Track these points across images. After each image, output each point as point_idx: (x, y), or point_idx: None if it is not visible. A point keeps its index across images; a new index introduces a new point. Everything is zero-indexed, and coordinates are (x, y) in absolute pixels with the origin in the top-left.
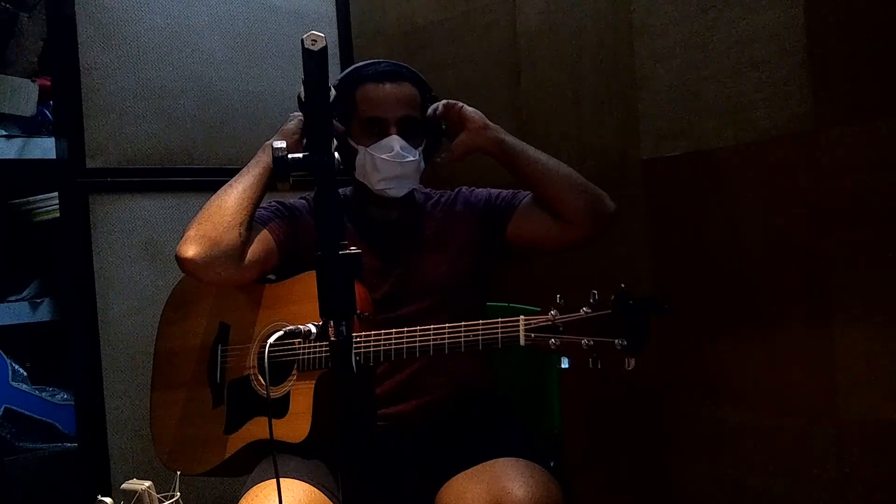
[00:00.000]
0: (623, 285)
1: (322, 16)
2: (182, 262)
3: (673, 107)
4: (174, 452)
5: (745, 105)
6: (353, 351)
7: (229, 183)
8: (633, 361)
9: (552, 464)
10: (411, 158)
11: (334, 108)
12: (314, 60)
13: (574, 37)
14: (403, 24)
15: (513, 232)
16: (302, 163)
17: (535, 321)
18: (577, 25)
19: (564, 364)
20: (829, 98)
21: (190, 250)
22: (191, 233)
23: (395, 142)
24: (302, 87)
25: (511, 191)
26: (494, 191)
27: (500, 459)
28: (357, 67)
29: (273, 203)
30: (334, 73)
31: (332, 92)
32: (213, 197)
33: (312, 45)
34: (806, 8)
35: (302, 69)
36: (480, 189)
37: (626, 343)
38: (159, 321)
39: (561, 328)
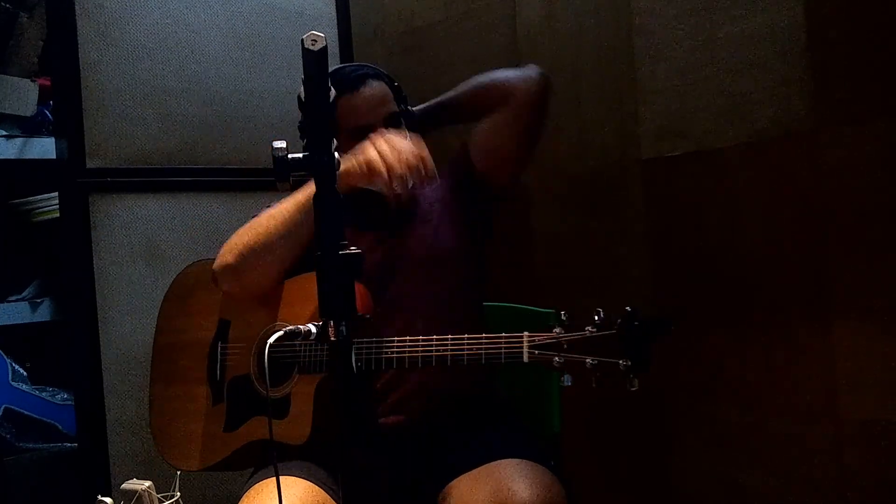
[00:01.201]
0: (629, 308)
1: (322, 16)
2: (217, 283)
3: (673, 107)
4: (174, 447)
5: (745, 105)
6: (356, 357)
7: (282, 221)
8: (636, 382)
9: (552, 463)
10: None
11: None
12: (314, 60)
13: (574, 37)
14: (403, 24)
15: (476, 157)
16: (302, 163)
17: (539, 338)
18: (577, 25)
19: (567, 382)
20: (829, 98)
21: (226, 284)
22: (232, 263)
23: None
24: (302, 87)
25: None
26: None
27: (504, 460)
28: None
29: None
30: None
31: (333, 92)
32: (262, 230)
33: (312, 45)
34: (806, 8)
35: (302, 69)
36: (453, 159)
37: (630, 364)
38: (158, 315)
39: (565, 346)
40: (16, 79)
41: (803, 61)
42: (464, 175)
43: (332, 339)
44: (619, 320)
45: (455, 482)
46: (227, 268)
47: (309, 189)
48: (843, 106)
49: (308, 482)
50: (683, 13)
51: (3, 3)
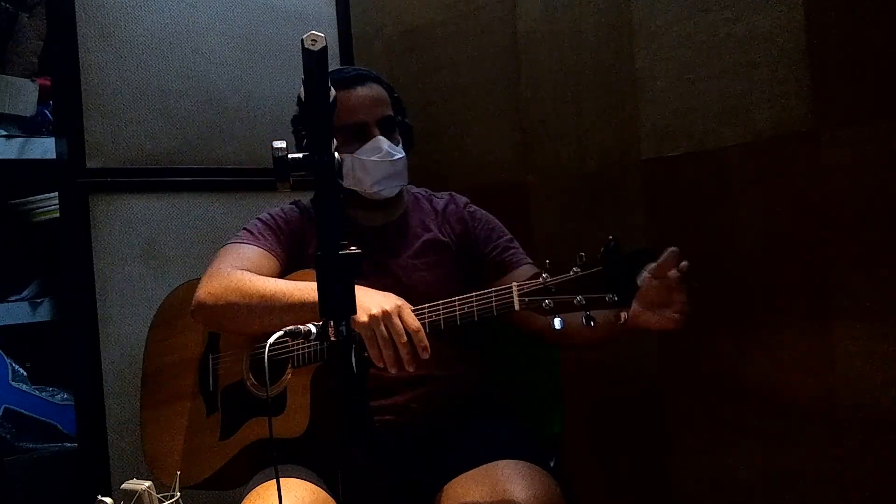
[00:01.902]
0: (611, 237)
1: (322, 16)
2: (192, 314)
3: (673, 107)
4: (171, 467)
5: (745, 105)
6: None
7: (273, 308)
8: (625, 314)
9: (552, 464)
10: (399, 156)
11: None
12: (314, 60)
13: (574, 37)
14: (403, 24)
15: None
16: (302, 163)
17: (527, 286)
18: (577, 25)
19: (557, 325)
20: (829, 98)
21: (198, 320)
22: (210, 307)
23: (382, 142)
24: (302, 88)
25: (508, 241)
26: (494, 230)
27: (502, 461)
28: None
29: (265, 221)
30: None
31: (332, 92)
32: (254, 301)
33: (312, 45)
34: (806, 8)
35: (302, 69)
36: (481, 214)
37: (616, 297)
38: (146, 342)
39: (553, 290)
40: (16, 79)
41: (803, 61)
42: (473, 260)
43: (332, 338)
44: (601, 253)
45: (453, 482)
46: (204, 309)
47: (306, 293)
48: (843, 106)
49: (310, 483)
50: (683, 13)
51: (3, 3)
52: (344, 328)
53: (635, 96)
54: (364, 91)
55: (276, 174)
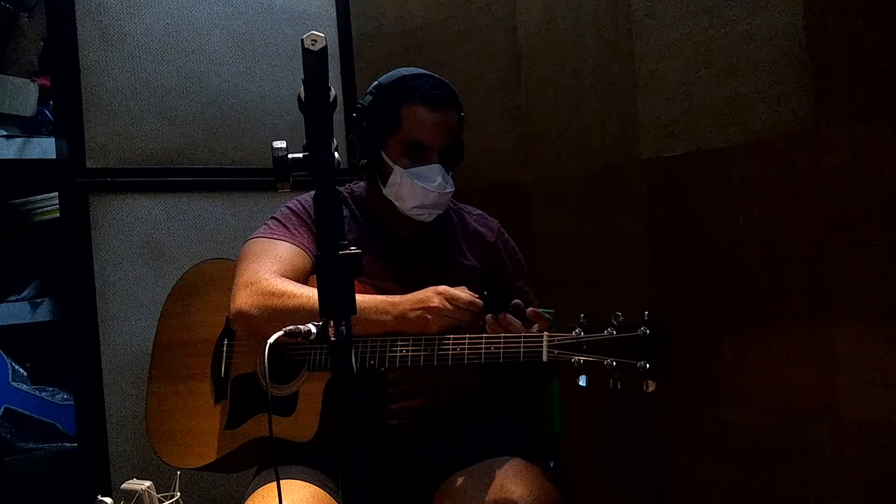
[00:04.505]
0: (647, 312)
1: (322, 16)
2: (231, 321)
3: (673, 107)
4: (170, 445)
5: (745, 105)
6: (370, 354)
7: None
8: (652, 384)
9: (552, 464)
10: (450, 189)
11: (372, 114)
12: (314, 60)
13: (574, 37)
14: (403, 24)
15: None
16: (302, 163)
17: (558, 338)
18: (577, 25)
19: (582, 383)
20: (829, 98)
21: (239, 328)
22: (254, 317)
23: (439, 172)
24: (302, 88)
25: (524, 285)
26: (518, 270)
27: (500, 459)
28: (404, 79)
29: (297, 212)
30: (334, 73)
31: (332, 92)
32: (296, 311)
33: (312, 45)
34: (806, 8)
35: (302, 69)
36: (512, 245)
37: (648, 366)
38: (161, 313)
39: (585, 347)
40: (16, 79)
41: (803, 61)
42: (500, 282)
43: (332, 339)
44: (640, 321)
45: (451, 479)
46: (247, 319)
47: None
48: (843, 106)
49: (312, 486)
50: (683, 13)
51: (3, 3)
52: (344, 328)
53: (635, 96)
54: (442, 118)
55: (276, 174)
